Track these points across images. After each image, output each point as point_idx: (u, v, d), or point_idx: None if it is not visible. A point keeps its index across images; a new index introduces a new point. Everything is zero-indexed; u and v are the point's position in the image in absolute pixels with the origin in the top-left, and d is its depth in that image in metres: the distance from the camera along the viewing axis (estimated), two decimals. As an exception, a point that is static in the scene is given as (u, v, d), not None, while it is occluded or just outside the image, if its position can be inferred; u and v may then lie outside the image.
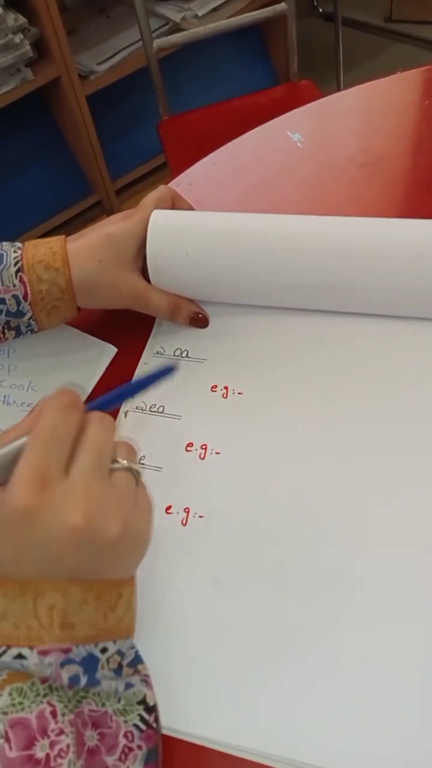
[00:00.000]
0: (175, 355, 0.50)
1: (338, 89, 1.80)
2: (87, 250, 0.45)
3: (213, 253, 0.46)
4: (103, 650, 0.31)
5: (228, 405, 0.46)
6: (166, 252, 0.47)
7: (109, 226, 0.47)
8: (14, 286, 0.45)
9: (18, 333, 0.48)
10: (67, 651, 0.30)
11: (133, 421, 0.46)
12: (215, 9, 1.47)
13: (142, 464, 0.44)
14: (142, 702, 0.32)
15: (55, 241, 0.46)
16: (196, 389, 0.47)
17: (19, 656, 0.29)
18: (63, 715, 0.29)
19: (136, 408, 0.47)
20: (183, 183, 0.66)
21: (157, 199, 0.48)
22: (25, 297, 0.45)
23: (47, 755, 0.28)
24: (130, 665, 0.32)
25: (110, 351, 0.51)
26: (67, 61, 1.35)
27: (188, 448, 0.44)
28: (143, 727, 0.31)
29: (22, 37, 1.27)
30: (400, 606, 0.36)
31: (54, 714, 0.29)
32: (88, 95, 1.44)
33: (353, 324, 0.48)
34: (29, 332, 0.48)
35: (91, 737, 0.30)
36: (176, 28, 1.46)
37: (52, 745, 0.28)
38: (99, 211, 1.68)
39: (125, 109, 1.63)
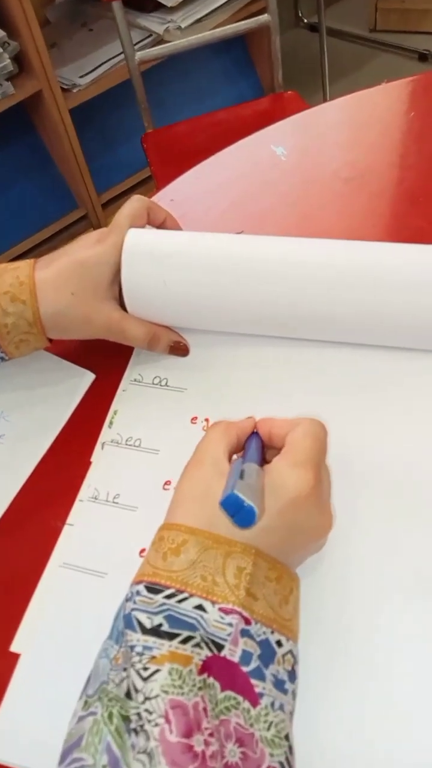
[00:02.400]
0: (154, 383, 0.47)
1: (324, 100, 1.80)
2: (57, 282, 0.43)
3: (192, 281, 0.44)
4: (278, 643, 0.30)
5: (209, 438, 0.43)
6: (143, 281, 0.44)
7: (82, 251, 0.44)
8: None
9: (-13, 362, 0.45)
10: (247, 622, 0.29)
11: (110, 454, 0.44)
12: (198, 21, 1.45)
13: (116, 503, 0.41)
14: (287, 739, 0.29)
15: (23, 268, 0.43)
16: (175, 421, 0.44)
17: (200, 607, 0.29)
18: (211, 717, 0.27)
19: (112, 441, 0.44)
20: (164, 199, 0.64)
21: (131, 215, 0.46)
22: (-9, 329, 0.43)
23: (203, 753, 0.26)
24: (293, 680, 0.30)
25: (88, 377, 0.49)
26: (48, 75, 1.33)
27: (166, 486, 0.41)
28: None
29: (2, 51, 1.25)
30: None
31: (206, 712, 0.27)
32: (72, 109, 1.42)
33: (340, 354, 0.45)
34: (0, 360, 0.46)
35: (232, 752, 0.27)
36: (159, 41, 1.45)
37: (206, 744, 0.26)
38: (85, 225, 1.66)
39: (110, 123, 1.61)
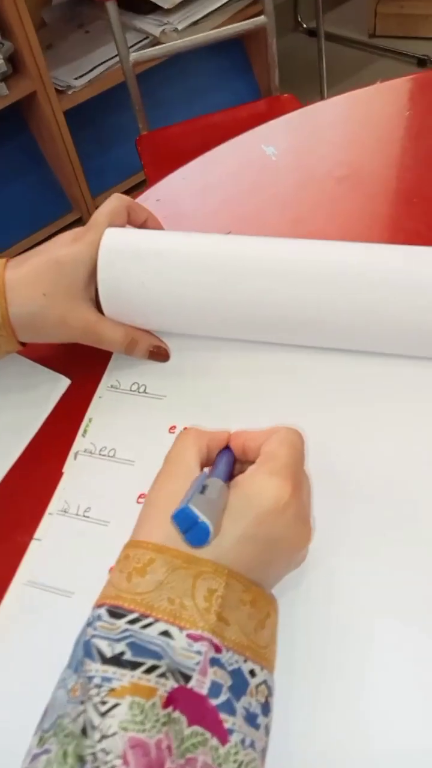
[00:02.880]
0: (131, 390, 0.45)
1: (323, 104, 1.78)
2: (30, 281, 0.40)
3: (173, 282, 0.41)
4: (252, 673, 0.27)
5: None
6: (120, 281, 0.42)
7: (57, 250, 0.42)
8: None
9: None
10: (218, 650, 0.26)
11: (82, 465, 0.41)
12: (195, 23, 1.44)
13: (87, 517, 0.39)
14: None
15: (-7, 267, 0.41)
16: (152, 430, 0.42)
17: (166, 633, 0.26)
18: (176, 756, 0.24)
19: (85, 451, 0.42)
20: (150, 199, 0.62)
21: (110, 214, 0.44)
22: (-43, 331, 0.40)
23: None
24: (266, 713, 0.27)
25: (63, 383, 0.46)
26: (43, 76, 1.31)
27: (140, 500, 0.39)
28: None
29: (-4, 51, 1.24)
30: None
31: (170, 750, 0.24)
32: (67, 110, 1.41)
33: (330, 361, 0.43)
34: (-30, 365, 0.43)
35: None
36: (156, 43, 1.43)
37: None
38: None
39: (106, 125, 1.60)
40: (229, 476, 0.33)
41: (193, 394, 0.43)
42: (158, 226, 0.48)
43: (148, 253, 0.42)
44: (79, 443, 0.42)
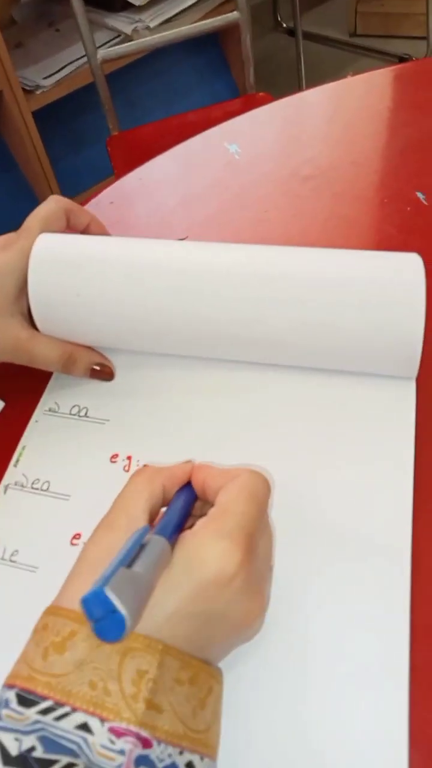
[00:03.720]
0: (71, 414, 0.40)
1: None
2: None
3: (112, 293, 0.37)
4: (189, 766, 0.23)
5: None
6: (54, 293, 0.37)
7: None
8: None
9: None
10: (146, 744, 0.22)
11: (12, 500, 0.37)
12: (168, 21, 1.40)
13: (13, 562, 0.34)
14: None
15: None
16: (92, 459, 0.37)
17: (84, 727, 0.22)
18: None
19: (16, 483, 0.37)
20: (103, 202, 0.58)
21: (45, 218, 0.39)
22: None
23: None
24: None
25: (-3, 406, 0.42)
26: (9, 76, 1.26)
27: (74, 541, 0.34)
28: None
29: (-41, 49, 1.19)
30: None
31: None
32: (37, 110, 1.36)
33: (288, 379, 0.39)
34: None
35: None
36: (128, 41, 1.39)
37: None
38: (53, 232, 1.59)
39: (79, 125, 1.55)
40: (184, 521, 0.28)
41: (138, 417, 0.39)
42: (102, 232, 0.43)
43: (84, 261, 0.38)
44: (11, 475, 0.38)
